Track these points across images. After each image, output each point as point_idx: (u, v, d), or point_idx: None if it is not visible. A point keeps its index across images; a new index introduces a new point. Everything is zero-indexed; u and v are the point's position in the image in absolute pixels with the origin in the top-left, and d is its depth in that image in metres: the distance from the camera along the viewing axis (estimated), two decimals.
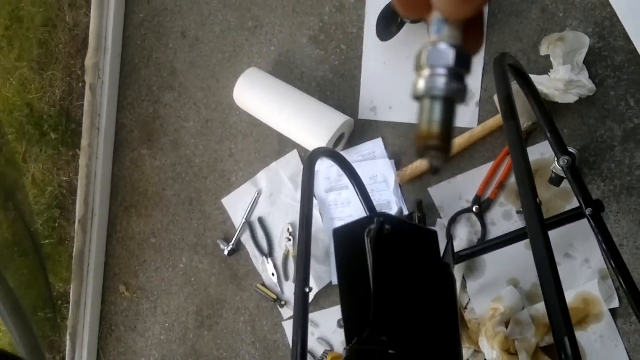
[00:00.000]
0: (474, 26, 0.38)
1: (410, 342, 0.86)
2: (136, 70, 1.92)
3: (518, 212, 1.42)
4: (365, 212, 1.43)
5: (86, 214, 1.97)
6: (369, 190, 1.47)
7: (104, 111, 1.94)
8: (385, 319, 0.84)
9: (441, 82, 0.35)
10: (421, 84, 0.36)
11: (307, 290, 1.08)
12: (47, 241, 2.11)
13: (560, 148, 1.15)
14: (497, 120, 1.39)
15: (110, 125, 1.96)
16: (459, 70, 0.35)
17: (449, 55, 0.35)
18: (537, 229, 0.92)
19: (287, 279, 1.71)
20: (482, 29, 0.39)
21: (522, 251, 1.37)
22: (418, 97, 0.36)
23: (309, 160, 1.31)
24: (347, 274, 0.91)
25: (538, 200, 0.97)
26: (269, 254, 1.72)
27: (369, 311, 0.84)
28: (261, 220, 1.74)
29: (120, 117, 1.96)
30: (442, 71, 0.35)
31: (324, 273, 1.64)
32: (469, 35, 0.38)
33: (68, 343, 2.01)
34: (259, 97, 1.61)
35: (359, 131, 1.58)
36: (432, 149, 0.36)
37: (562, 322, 0.85)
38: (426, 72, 0.35)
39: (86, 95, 1.94)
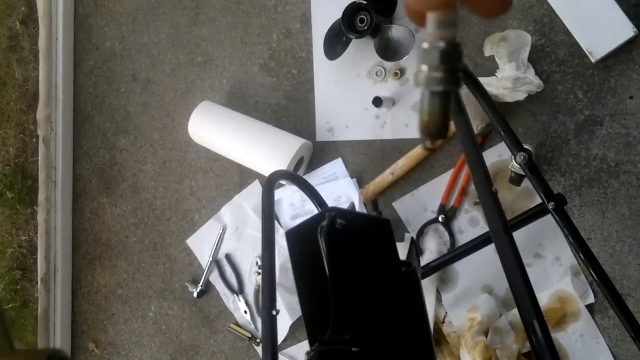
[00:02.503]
0: None
1: (373, 337, 0.85)
2: (89, 118, 1.93)
3: (476, 203, 1.44)
4: None
5: (48, 271, 1.94)
6: None
7: (59, 163, 1.94)
8: (346, 317, 0.84)
9: (434, 78, 0.39)
10: (419, 78, 0.39)
11: (274, 312, 1.07)
12: (10, 305, 2.07)
13: (515, 145, 1.18)
14: (451, 127, 1.42)
15: (67, 177, 1.95)
16: (449, 65, 0.39)
17: (434, 54, 0.39)
18: (492, 207, 0.94)
19: (260, 315, 1.70)
20: None
21: (492, 256, 1.37)
22: (419, 87, 0.41)
23: (268, 182, 1.32)
24: (303, 275, 0.90)
25: (494, 189, 0.99)
26: (240, 290, 1.71)
27: (329, 311, 0.84)
28: (228, 257, 1.73)
29: (76, 167, 1.96)
30: (434, 68, 0.39)
31: (296, 304, 1.63)
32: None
33: None
34: (214, 129, 1.63)
35: (318, 153, 1.61)
36: (431, 135, 0.41)
37: (529, 303, 0.86)
38: (424, 67, 0.39)
39: (40, 148, 1.95)
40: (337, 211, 0.85)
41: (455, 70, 0.39)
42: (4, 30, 2.06)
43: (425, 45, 0.39)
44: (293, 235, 0.91)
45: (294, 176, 1.45)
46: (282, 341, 1.62)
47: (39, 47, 1.93)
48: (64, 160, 1.94)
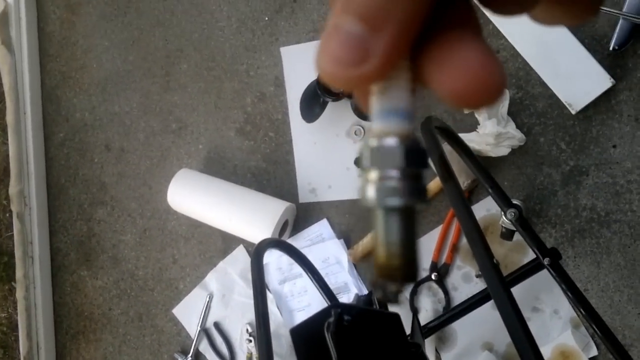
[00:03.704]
0: None
1: None
2: (64, 191, 1.86)
3: (477, 276, 1.40)
4: (324, 298, 1.38)
5: (31, 349, 1.85)
6: (323, 274, 1.43)
7: (35, 238, 1.86)
8: None
9: (394, 188, 0.27)
10: (370, 193, 0.28)
11: None
12: None
13: (504, 202, 1.14)
14: (436, 182, 1.39)
15: (44, 252, 1.87)
16: (414, 169, 0.28)
17: (397, 153, 0.27)
18: (500, 290, 0.89)
19: None
20: None
21: (489, 312, 1.34)
22: (367, 209, 0.28)
23: (256, 253, 1.26)
24: None
25: (495, 261, 0.95)
26: (231, 359, 1.64)
27: None
28: (217, 325, 1.66)
29: (53, 241, 1.88)
30: (393, 173, 0.27)
31: None
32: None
33: None
34: (194, 197, 1.57)
35: (303, 215, 1.55)
36: (395, 278, 0.28)
37: None
38: (373, 175, 0.28)
39: (14, 224, 1.86)
40: (343, 307, 0.82)
41: (420, 177, 0.27)
42: None
43: (373, 143, 0.28)
44: (298, 333, 0.87)
45: (282, 244, 1.39)
46: None
47: (6, 122, 1.85)
48: (40, 234, 1.86)
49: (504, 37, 1.33)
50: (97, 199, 1.81)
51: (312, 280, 1.38)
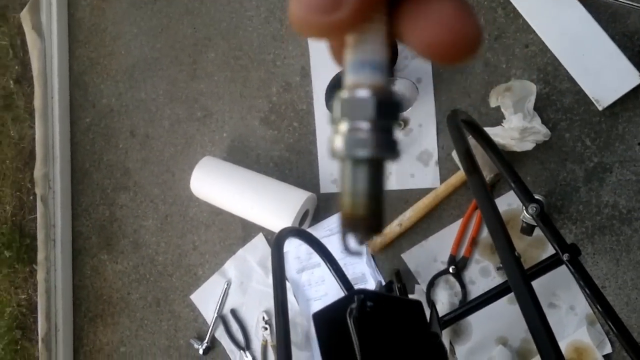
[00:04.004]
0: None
1: None
2: (88, 175, 1.88)
3: (498, 269, 1.40)
4: (341, 288, 1.38)
5: (49, 330, 1.87)
6: (341, 264, 1.44)
7: (58, 221, 1.88)
8: None
9: (363, 139, 0.27)
10: (338, 143, 0.28)
11: None
12: None
13: (526, 196, 1.15)
14: (459, 176, 1.39)
15: (66, 235, 1.89)
16: (385, 121, 0.27)
17: (368, 104, 0.27)
18: (521, 283, 0.89)
19: None
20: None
21: (505, 307, 1.34)
22: (337, 160, 0.28)
23: (276, 242, 1.27)
24: (333, 359, 0.86)
25: (516, 254, 0.95)
26: (246, 346, 1.65)
27: None
28: (234, 312, 1.67)
29: (75, 224, 1.90)
30: (363, 125, 0.27)
31: (307, 359, 1.57)
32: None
33: None
34: (217, 185, 1.58)
35: (323, 205, 1.56)
36: (359, 226, 0.28)
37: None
38: (343, 126, 0.27)
39: (38, 207, 1.89)
40: (366, 293, 0.82)
41: (390, 130, 0.27)
42: None
43: (344, 94, 0.27)
44: (321, 318, 0.87)
45: (302, 232, 1.40)
46: None
47: (34, 106, 1.88)
48: (63, 218, 1.89)
49: (533, 31, 1.34)
50: (121, 184, 1.83)
51: (330, 270, 1.38)
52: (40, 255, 1.88)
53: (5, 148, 2.00)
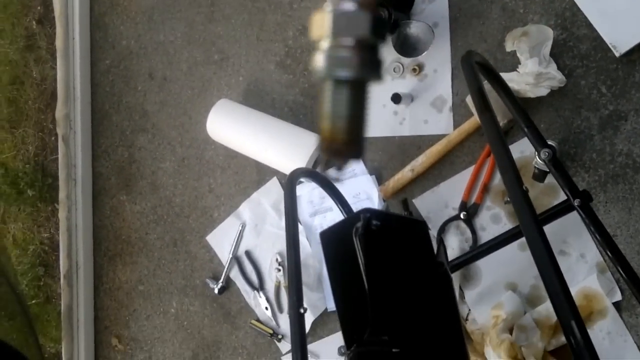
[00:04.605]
0: None
1: (412, 339, 0.82)
2: (107, 117, 1.90)
3: (506, 202, 1.38)
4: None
5: (70, 268, 1.92)
6: (353, 208, 1.45)
7: (79, 161, 1.91)
8: (384, 318, 0.82)
9: (347, 57, 0.25)
10: (320, 61, 0.25)
11: (302, 310, 1.05)
12: (33, 301, 2.06)
13: (539, 141, 1.13)
14: (472, 122, 1.38)
15: (86, 175, 1.93)
16: (373, 39, 0.25)
17: (363, 21, 0.24)
18: (527, 214, 0.88)
19: (281, 311, 1.67)
20: None
21: (516, 253, 1.34)
22: (317, 79, 0.25)
23: (289, 181, 1.28)
24: (339, 277, 0.88)
25: (524, 187, 0.94)
26: (260, 287, 1.68)
27: (366, 312, 0.81)
28: (248, 254, 1.70)
29: (95, 165, 1.93)
30: (349, 42, 0.25)
31: (318, 300, 1.60)
32: None
33: None
34: (232, 127, 1.59)
35: None
36: (338, 151, 0.26)
37: (566, 307, 0.80)
38: (326, 44, 0.25)
39: (59, 147, 1.92)
40: (372, 212, 0.82)
41: (375, 49, 0.24)
42: (20, 30, 2.03)
43: (329, 8, 0.25)
44: (327, 237, 0.88)
45: (314, 174, 1.41)
46: None
47: (56, 47, 1.89)
48: (84, 158, 1.92)
49: None
50: (139, 126, 1.85)
51: (341, 212, 1.39)
52: (62, 194, 1.92)
53: (28, 89, 2.03)
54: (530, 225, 0.88)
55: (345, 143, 0.27)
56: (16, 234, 2.06)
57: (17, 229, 2.06)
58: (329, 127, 0.27)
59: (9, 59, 2.05)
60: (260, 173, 1.66)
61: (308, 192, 1.60)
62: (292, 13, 1.61)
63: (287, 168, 1.53)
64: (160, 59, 1.81)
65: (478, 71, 1.01)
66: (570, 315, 0.80)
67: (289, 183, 1.26)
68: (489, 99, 0.99)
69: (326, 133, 0.27)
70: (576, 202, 1.09)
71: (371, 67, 0.26)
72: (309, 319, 1.57)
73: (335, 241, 0.88)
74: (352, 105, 0.26)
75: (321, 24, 0.25)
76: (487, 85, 1.13)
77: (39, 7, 2.00)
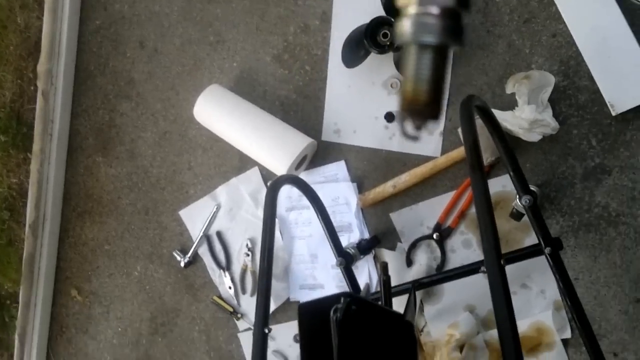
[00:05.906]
0: None
1: None
2: (91, 77, 1.67)
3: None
4: (326, 235, 1.27)
5: (37, 218, 1.73)
6: (330, 212, 1.32)
7: (57, 117, 1.69)
8: None
9: (432, 24, 0.26)
10: (406, 26, 0.26)
11: (266, 330, 0.96)
12: None
13: (522, 187, 1.05)
14: (460, 152, 1.26)
15: (63, 132, 1.71)
16: (458, 8, 0.25)
17: None
18: (492, 244, 0.84)
19: (244, 292, 1.54)
20: None
21: (479, 279, 1.25)
22: (402, 43, 0.26)
23: (271, 189, 1.15)
24: (311, 352, 0.78)
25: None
26: (227, 267, 1.55)
27: None
28: (219, 234, 1.55)
29: (74, 123, 1.71)
30: (434, 10, 0.26)
31: (282, 290, 1.48)
32: None
33: (17, 342, 1.78)
34: (221, 115, 1.41)
35: (322, 152, 1.42)
36: (419, 112, 0.28)
37: (510, 338, 0.77)
38: (412, 10, 0.26)
39: (38, 100, 1.69)
40: (354, 297, 0.74)
41: (459, 17, 0.25)
42: None
43: None
44: (306, 310, 0.79)
45: (298, 181, 1.27)
46: None
47: None
48: (62, 115, 1.70)
49: (564, 22, 1.18)
50: (124, 92, 1.64)
51: (319, 220, 1.27)
52: (36, 147, 1.70)
53: (10, 34, 1.76)
54: (493, 260, 0.83)
55: (426, 104, 0.28)
56: None
57: None
58: (412, 89, 0.27)
59: None
60: (243, 160, 1.51)
61: (288, 188, 1.46)
62: (296, 9, 1.43)
63: (270, 165, 1.38)
64: (153, 30, 1.59)
65: (475, 120, 0.91)
66: (512, 348, 0.75)
67: (271, 191, 1.13)
68: (482, 151, 0.89)
69: (408, 94, 0.27)
70: (547, 250, 1.03)
71: (455, 34, 0.26)
72: (271, 307, 1.45)
73: (312, 316, 0.79)
74: (434, 69, 0.26)
75: None
76: (480, 121, 1.02)
77: None
